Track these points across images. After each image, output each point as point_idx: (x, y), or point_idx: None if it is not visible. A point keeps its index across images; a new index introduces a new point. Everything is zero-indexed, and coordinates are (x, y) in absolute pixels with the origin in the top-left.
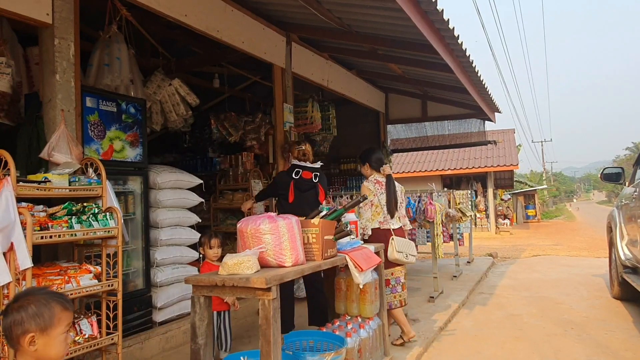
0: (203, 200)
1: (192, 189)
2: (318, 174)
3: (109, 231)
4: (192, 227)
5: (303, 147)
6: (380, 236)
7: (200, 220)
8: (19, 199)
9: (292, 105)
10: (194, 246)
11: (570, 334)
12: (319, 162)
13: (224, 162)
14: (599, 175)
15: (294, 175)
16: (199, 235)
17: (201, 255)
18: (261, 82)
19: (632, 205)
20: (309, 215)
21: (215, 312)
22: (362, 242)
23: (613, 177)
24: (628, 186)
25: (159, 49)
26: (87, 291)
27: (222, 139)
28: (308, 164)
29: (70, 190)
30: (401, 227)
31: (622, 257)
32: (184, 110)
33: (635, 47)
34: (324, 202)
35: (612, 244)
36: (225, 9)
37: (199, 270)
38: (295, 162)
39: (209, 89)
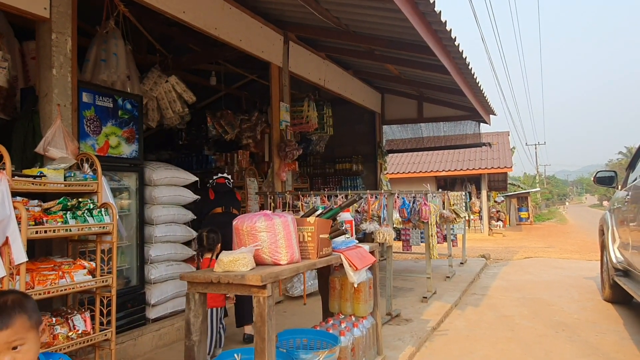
0: (199, 198)
1: (188, 187)
2: (231, 181)
3: (103, 227)
4: (187, 224)
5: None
6: None
7: (195, 217)
8: (14, 194)
9: (288, 104)
10: (188, 243)
11: (561, 335)
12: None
13: (219, 160)
14: (592, 179)
15: (211, 184)
16: (194, 232)
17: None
18: (258, 81)
19: (625, 208)
20: (305, 213)
21: (214, 309)
22: (357, 241)
23: (606, 181)
24: (620, 190)
25: (156, 46)
26: (81, 287)
27: (218, 137)
28: (219, 175)
29: (65, 185)
30: None
31: (614, 260)
32: (180, 107)
33: (630, 54)
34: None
35: (604, 247)
36: (223, 7)
37: (199, 267)
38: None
39: (205, 87)
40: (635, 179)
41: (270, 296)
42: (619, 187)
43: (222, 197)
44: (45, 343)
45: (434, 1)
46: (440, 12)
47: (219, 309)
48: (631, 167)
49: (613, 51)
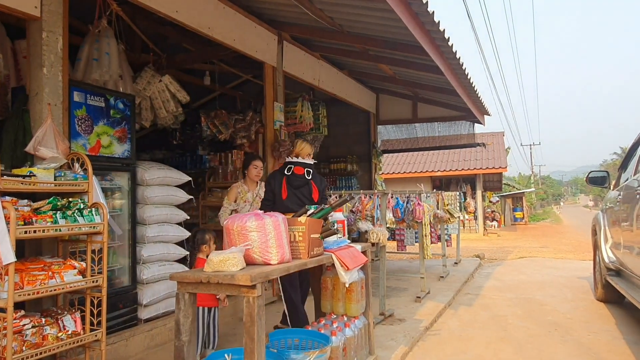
0: (192, 198)
1: (181, 186)
2: (311, 170)
3: (94, 227)
4: (179, 224)
5: (303, 146)
6: None
7: (188, 218)
8: (3, 193)
9: (283, 104)
10: (181, 243)
11: (553, 335)
12: (312, 160)
13: (213, 160)
14: (585, 179)
15: (286, 172)
16: (187, 232)
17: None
18: (252, 81)
19: (617, 208)
20: (296, 213)
21: (205, 309)
22: (349, 241)
23: (598, 181)
24: (613, 190)
25: (150, 45)
26: (71, 287)
27: (212, 137)
28: (300, 160)
29: (55, 185)
30: None
31: (606, 260)
32: (174, 107)
33: (625, 55)
34: (317, 200)
35: (596, 247)
36: (217, 6)
37: (192, 267)
38: (289, 159)
39: (199, 87)
40: (627, 179)
41: (260, 296)
42: (612, 187)
43: (296, 199)
44: (34, 343)
45: (427, 1)
46: (433, 12)
47: (215, 308)
48: (623, 167)
49: (611, 51)
